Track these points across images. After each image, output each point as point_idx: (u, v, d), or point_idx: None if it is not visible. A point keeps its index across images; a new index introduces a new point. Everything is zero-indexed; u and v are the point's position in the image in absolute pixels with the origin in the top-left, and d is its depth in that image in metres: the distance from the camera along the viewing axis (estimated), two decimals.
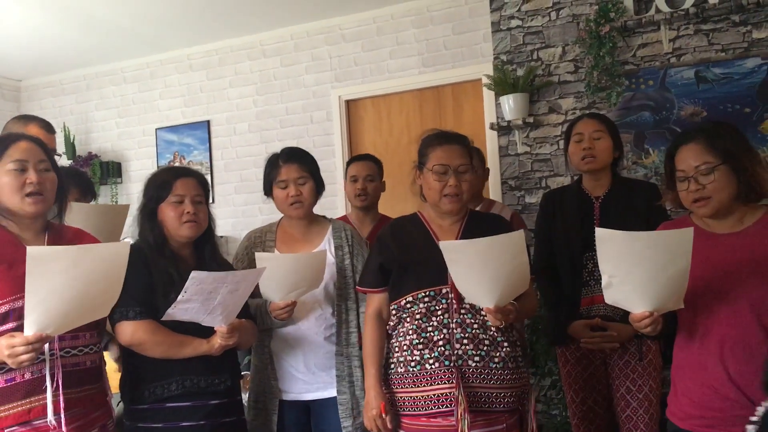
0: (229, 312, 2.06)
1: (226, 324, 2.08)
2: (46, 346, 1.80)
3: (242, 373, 2.72)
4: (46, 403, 1.80)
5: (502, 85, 4.08)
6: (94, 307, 1.78)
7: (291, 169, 2.51)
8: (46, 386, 1.81)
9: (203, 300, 1.98)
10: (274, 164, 2.55)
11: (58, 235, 1.99)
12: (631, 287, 1.77)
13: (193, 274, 1.93)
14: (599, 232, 1.75)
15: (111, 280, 1.76)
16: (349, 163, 3.48)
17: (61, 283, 1.66)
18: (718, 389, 1.84)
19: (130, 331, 2.10)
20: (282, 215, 2.62)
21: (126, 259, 1.78)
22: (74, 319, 1.75)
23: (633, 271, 1.74)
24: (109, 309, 1.83)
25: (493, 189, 4.22)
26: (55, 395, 1.81)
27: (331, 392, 2.45)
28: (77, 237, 2.03)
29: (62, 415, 1.81)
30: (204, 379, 2.14)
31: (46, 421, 1.80)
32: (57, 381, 1.82)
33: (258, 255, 2.27)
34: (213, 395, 2.16)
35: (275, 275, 2.24)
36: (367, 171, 3.31)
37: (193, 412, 2.12)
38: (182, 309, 1.99)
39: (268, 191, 2.58)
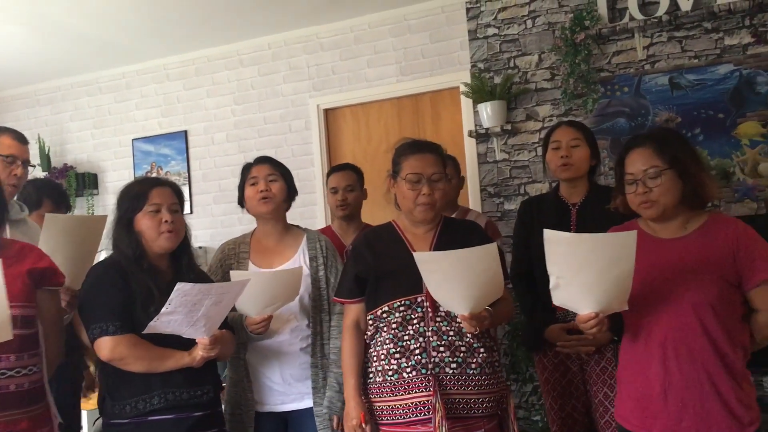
0: (212, 324, 2.04)
1: (208, 335, 2.06)
2: None
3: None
4: None
5: (480, 92, 4.10)
6: None
7: (262, 167, 2.57)
8: None
9: (187, 312, 1.95)
10: (246, 168, 2.61)
11: (0, 249, 1.92)
12: (577, 289, 1.81)
13: (178, 285, 1.91)
14: (547, 233, 1.78)
15: None
16: (329, 174, 3.46)
17: None
18: (658, 392, 1.89)
19: (110, 346, 2.06)
20: (254, 228, 2.63)
21: (0, 276, 1.69)
22: None
23: (579, 273, 1.78)
24: (8, 331, 1.72)
25: (472, 196, 4.24)
26: None
27: (308, 403, 2.45)
28: (22, 251, 1.95)
29: None
30: (186, 392, 2.11)
31: None
32: None
33: (233, 273, 2.27)
34: (196, 407, 2.13)
35: (251, 292, 2.22)
36: (347, 181, 3.30)
37: (176, 424, 2.09)
38: (165, 321, 1.96)
39: (241, 193, 2.59)
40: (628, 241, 1.75)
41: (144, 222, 2.18)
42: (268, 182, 2.52)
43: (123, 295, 2.10)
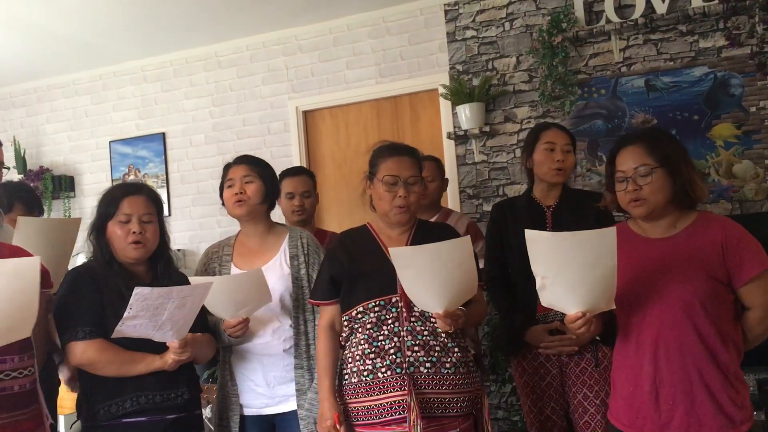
0: (180, 327, 2.04)
1: (177, 339, 2.05)
2: None
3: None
4: None
5: (459, 94, 4.12)
6: (11, 327, 1.69)
7: (238, 168, 2.54)
8: None
9: (150, 316, 1.95)
10: (225, 169, 2.58)
11: None
12: (562, 288, 1.81)
13: (136, 290, 1.91)
14: (528, 233, 1.78)
15: (25, 296, 1.68)
16: (282, 178, 3.31)
17: None
18: (649, 390, 1.89)
19: (79, 351, 2.07)
20: (239, 230, 2.61)
21: (37, 274, 1.70)
22: None
23: (563, 272, 1.78)
24: (30, 327, 1.74)
25: (452, 197, 4.26)
26: None
27: (293, 406, 2.43)
28: (13, 254, 1.94)
29: None
30: (159, 394, 2.11)
31: None
32: None
33: (192, 279, 2.25)
34: (170, 410, 2.13)
35: (216, 297, 2.22)
36: (304, 187, 3.25)
37: (150, 427, 2.09)
38: (130, 326, 1.96)
39: (221, 196, 2.58)
40: (607, 237, 1.75)
41: (113, 231, 2.18)
42: (244, 184, 2.49)
43: (94, 300, 2.10)
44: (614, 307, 1.86)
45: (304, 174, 3.35)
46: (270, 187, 2.55)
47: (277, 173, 2.62)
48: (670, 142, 2.00)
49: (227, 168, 2.58)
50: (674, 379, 1.86)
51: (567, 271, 1.77)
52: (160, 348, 2.09)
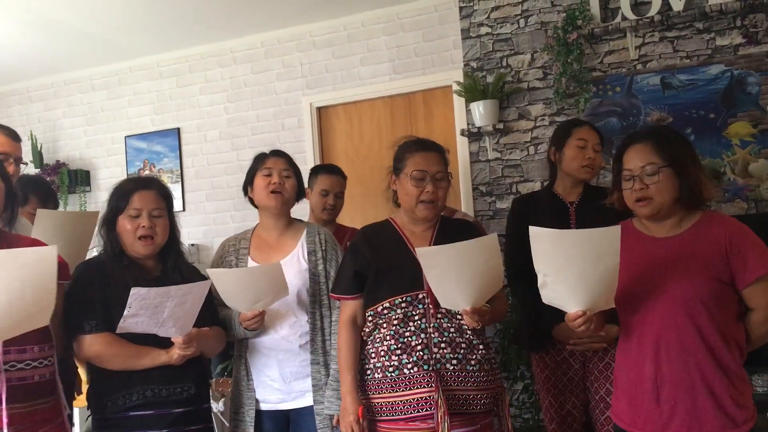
0: (183, 323, 2.06)
1: (180, 335, 2.08)
2: None
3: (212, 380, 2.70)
4: None
5: (472, 91, 4.11)
6: (29, 315, 1.72)
7: (278, 161, 2.55)
8: None
9: (150, 314, 1.98)
10: (260, 158, 2.58)
11: (10, 244, 1.93)
12: (563, 286, 1.81)
13: (133, 290, 1.94)
14: (532, 230, 1.78)
15: (43, 285, 1.71)
16: (317, 173, 3.41)
17: None
18: (650, 390, 1.89)
19: (86, 344, 2.10)
20: (256, 223, 2.62)
21: (54, 263, 1.72)
22: (9, 328, 1.70)
23: (565, 270, 1.77)
24: (48, 316, 1.77)
25: (465, 195, 4.25)
26: None
27: (309, 401, 2.43)
28: (33, 246, 1.96)
29: (5, 430, 1.77)
30: (166, 388, 2.13)
31: None
32: (0, 395, 1.79)
33: (209, 271, 2.26)
34: (176, 404, 2.15)
35: (233, 289, 2.24)
36: (339, 187, 3.32)
37: (156, 420, 2.12)
38: (132, 323, 1.99)
39: (250, 182, 2.56)
40: (612, 236, 1.74)
41: (123, 225, 2.20)
42: (283, 176, 2.51)
43: (102, 294, 2.12)
44: (613, 305, 1.86)
45: (339, 174, 3.39)
46: (301, 187, 2.59)
47: None
48: (678, 141, 1.98)
49: (262, 157, 2.57)
50: (675, 378, 1.86)
51: (569, 269, 1.77)
52: (167, 342, 2.11)
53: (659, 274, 1.91)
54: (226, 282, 2.24)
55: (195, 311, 2.08)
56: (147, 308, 1.96)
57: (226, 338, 2.39)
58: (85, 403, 2.23)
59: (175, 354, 2.11)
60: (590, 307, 1.82)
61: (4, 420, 1.77)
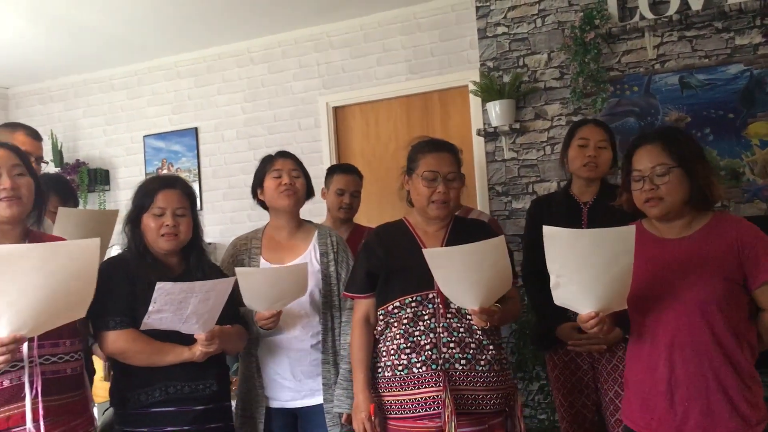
0: (206, 320, 2.07)
1: (203, 331, 2.09)
2: (25, 353, 1.80)
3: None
4: (24, 411, 1.79)
5: (489, 91, 4.11)
6: (69, 307, 1.75)
7: (286, 162, 2.57)
8: (24, 394, 1.80)
9: (175, 310, 1.99)
10: (268, 160, 2.60)
11: (38, 242, 1.95)
12: (577, 287, 1.79)
13: (159, 285, 1.96)
14: (546, 230, 1.76)
15: (84, 277, 1.73)
16: (333, 172, 3.43)
17: (32, 282, 1.63)
18: (664, 392, 1.88)
19: (110, 340, 2.12)
20: (266, 223, 2.64)
21: (97, 255, 1.74)
22: (49, 319, 1.72)
23: (579, 271, 1.76)
24: (85, 309, 1.79)
25: (480, 195, 4.25)
26: (34, 403, 1.80)
27: (318, 400, 2.45)
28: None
29: (41, 423, 1.80)
30: (188, 385, 2.15)
31: (25, 429, 1.79)
32: (36, 388, 1.81)
33: (238, 270, 2.28)
34: (197, 401, 2.17)
35: (258, 288, 2.26)
36: (355, 186, 3.33)
37: (177, 417, 2.13)
38: (156, 319, 2.01)
39: (259, 184, 2.58)
40: (626, 235, 1.73)
41: (148, 223, 2.23)
42: (292, 177, 2.53)
43: (126, 291, 2.15)
44: (626, 306, 1.84)
45: (355, 174, 3.40)
46: (310, 186, 2.62)
47: (307, 169, 2.64)
48: (688, 142, 1.97)
49: (270, 160, 2.59)
50: (690, 380, 1.85)
51: (583, 270, 1.75)
52: (189, 339, 2.13)
53: (671, 275, 1.90)
54: (252, 281, 2.26)
55: (218, 308, 2.09)
56: (171, 304, 1.97)
57: (247, 337, 2.40)
58: (104, 398, 2.26)
59: (198, 351, 2.12)
60: (603, 308, 1.80)
61: (40, 412, 1.80)
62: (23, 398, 1.80)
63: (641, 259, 1.84)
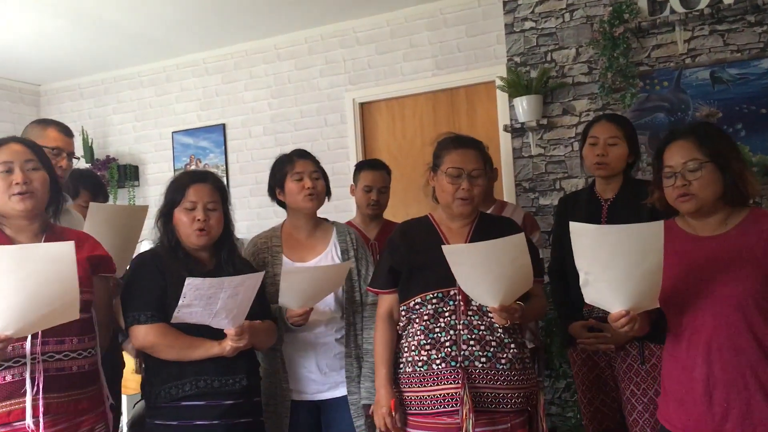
0: (235, 315, 2.08)
1: (233, 326, 2.10)
2: (28, 349, 1.82)
3: None
4: (25, 407, 1.80)
5: (516, 87, 4.08)
6: (55, 308, 1.73)
7: (306, 163, 2.59)
8: (25, 389, 1.81)
9: (204, 305, 2.01)
10: (286, 160, 2.61)
11: (57, 237, 1.97)
12: (606, 285, 1.76)
13: (188, 280, 1.97)
14: (573, 226, 1.74)
15: (63, 279, 1.72)
16: (360, 169, 3.42)
17: (7, 284, 1.64)
18: (702, 392, 1.84)
19: (141, 334, 2.15)
20: (282, 221, 2.67)
21: (72, 258, 1.73)
22: (36, 321, 1.72)
23: (608, 268, 1.73)
24: (76, 310, 1.78)
25: (507, 191, 4.23)
26: (35, 399, 1.81)
27: (342, 391, 2.49)
28: (79, 240, 1.99)
29: (41, 419, 1.81)
30: (218, 380, 2.16)
31: (26, 424, 1.80)
32: (38, 385, 1.82)
33: (284, 269, 2.30)
34: (227, 395, 2.18)
35: (299, 287, 2.28)
36: (383, 182, 3.33)
37: (207, 411, 2.15)
38: (186, 313, 2.02)
39: (279, 186, 2.60)
40: (655, 231, 1.70)
41: (179, 217, 2.25)
42: (313, 179, 2.55)
43: (158, 285, 2.17)
44: (657, 305, 1.81)
45: (383, 170, 3.40)
46: (328, 185, 2.64)
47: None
48: (720, 137, 1.94)
49: (289, 160, 2.60)
50: (728, 380, 1.81)
51: (612, 267, 1.72)
52: (220, 334, 2.14)
53: (708, 273, 1.86)
54: (295, 280, 2.28)
55: (248, 303, 2.10)
56: (201, 298, 1.99)
57: (276, 333, 2.41)
58: (135, 390, 2.28)
59: (228, 345, 2.13)
60: (634, 307, 1.77)
61: (40, 409, 1.81)
62: (24, 394, 1.81)
63: (676, 258, 1.81)
